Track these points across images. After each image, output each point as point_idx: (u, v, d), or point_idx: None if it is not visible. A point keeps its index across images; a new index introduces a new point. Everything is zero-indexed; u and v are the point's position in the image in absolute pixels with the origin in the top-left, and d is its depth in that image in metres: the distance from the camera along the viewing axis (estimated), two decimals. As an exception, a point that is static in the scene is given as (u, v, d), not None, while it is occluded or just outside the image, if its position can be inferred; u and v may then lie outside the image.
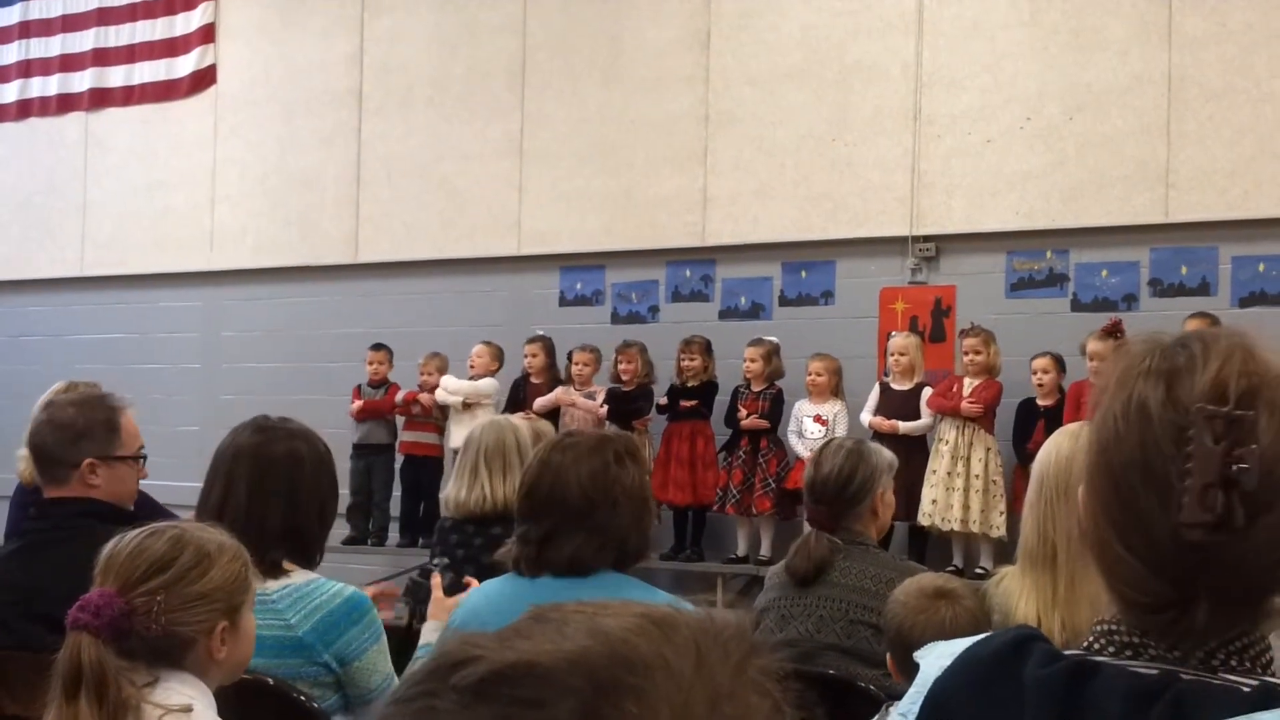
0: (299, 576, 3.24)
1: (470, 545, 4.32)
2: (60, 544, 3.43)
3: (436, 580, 3.80)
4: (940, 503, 8.82)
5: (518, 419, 4.92)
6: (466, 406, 10.21)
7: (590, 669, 0.87)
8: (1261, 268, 8.72)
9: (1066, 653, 1.42)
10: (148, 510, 3.95)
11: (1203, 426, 1.34)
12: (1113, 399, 1.43)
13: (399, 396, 10.59)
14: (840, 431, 9.17)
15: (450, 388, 10.32)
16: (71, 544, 3.17)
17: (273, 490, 3.27)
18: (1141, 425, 1.38)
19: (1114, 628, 1.42)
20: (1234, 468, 1.33)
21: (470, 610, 3.23)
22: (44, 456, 3.73)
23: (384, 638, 3.29)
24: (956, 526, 8.77)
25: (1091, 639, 1.44)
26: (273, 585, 3.18)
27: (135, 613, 2.38)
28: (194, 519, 3.22)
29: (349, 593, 3.24)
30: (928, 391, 9.08)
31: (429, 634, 3.72)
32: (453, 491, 4.62)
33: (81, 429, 3.70)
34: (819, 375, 9.37)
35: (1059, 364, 8.78)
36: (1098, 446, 1.43)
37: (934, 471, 8.89)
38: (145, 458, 3.90)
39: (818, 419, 9.33)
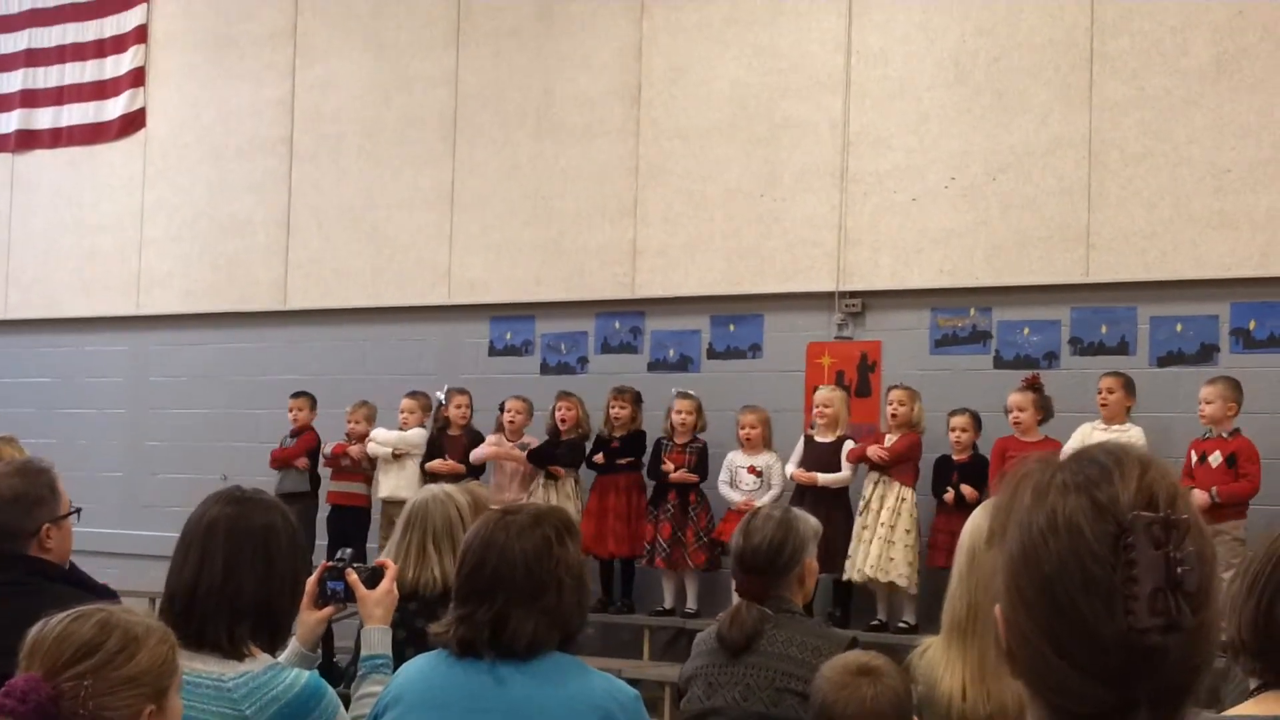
0: (258, 663, 3.16)
1: (411, 625, 4.29)
2: (12, 599, 3.45)
3: (355, 579, 3.72)
4: (854, 556, 8.90)
5: (452, 487, 4.89)
6: (396, 457, 10.22)
7: None
8: (1179, 328, 8.90)
9: None
10: (85, 582, 3.95)
11: (1143, 533, 1.39)
12: (1030, 515, 1.47)
13: (327, 449, 10.55)
14: (775, 483, 9.30)
15: (380, 439, 10.33)
16: (20, 599, 3.26)
17: (249, 563, 3.21)
18: (1071, 536, 1.42)
19: None
20: (1179, 570, 1.39)
21: (403, 690, 3.19)
22: None
23: (341, 711, 3.27)
24: (871, 575, 8.83)
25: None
26: (230, 672, 3.11)
27: (62, 698, 2.36)
28: (164, 590, 3.23)
29: (305, 680, 3.17)
30: (849, 445, 9.17)
31: (373, 641, 3.66)
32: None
33: (34, 497, 3.78)
34: (752, 428, 9.45)
35: (976, 421, 8.91)
36: (1023, 560, 1.46)
37: (865, 527, 8.97)
38: (80, 511, 3.97)
39: (751, 470, 9.40)
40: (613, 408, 9.84)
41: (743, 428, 9.48)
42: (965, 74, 9.50)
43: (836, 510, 9.04)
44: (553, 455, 9.87)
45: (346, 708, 3.42)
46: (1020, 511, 1.48)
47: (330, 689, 3.26)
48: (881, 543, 8.82)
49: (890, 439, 9.01)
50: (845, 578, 8.95)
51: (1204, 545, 1.43)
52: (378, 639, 3.70)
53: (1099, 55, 9.12)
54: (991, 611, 1.50)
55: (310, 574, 3.62)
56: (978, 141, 9.41)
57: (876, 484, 8.98)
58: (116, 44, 12.82)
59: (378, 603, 3.73)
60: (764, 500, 9.03)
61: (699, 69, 10.34)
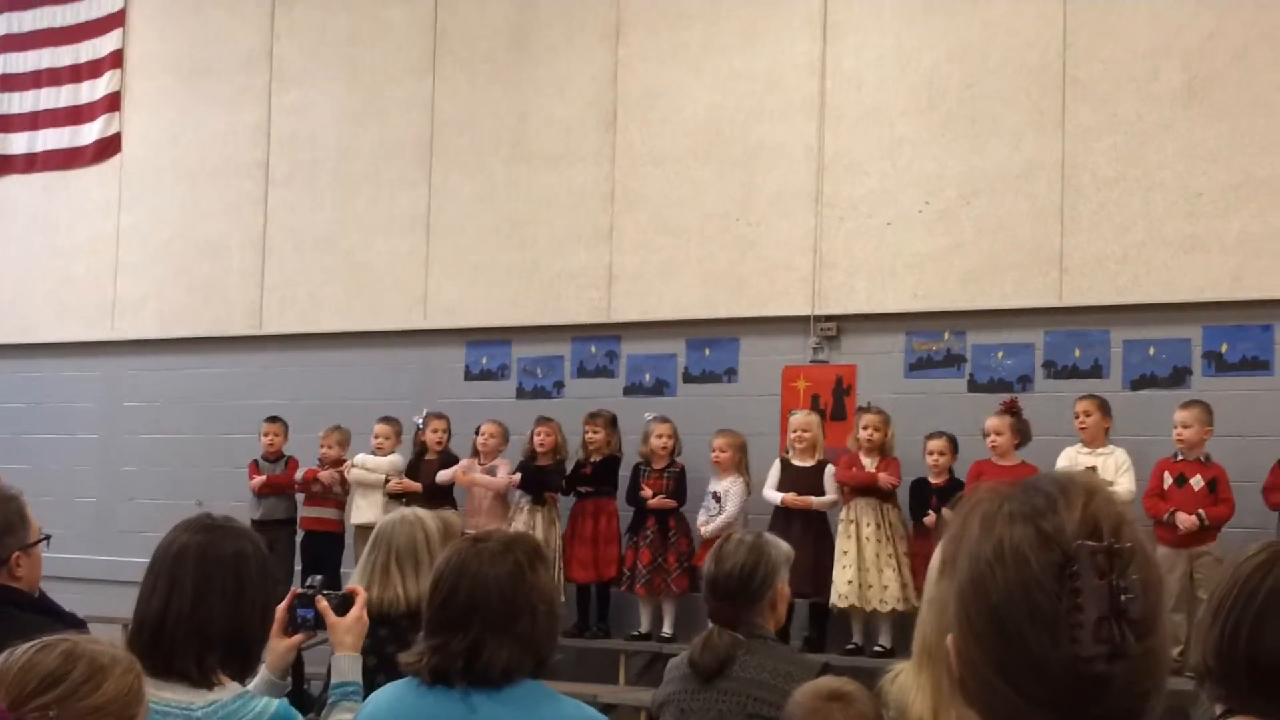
0: (227, 691, 3.15)
1: (382, 650, 4.28)
2: None
3: (325, 606, 3.71)
4: (874, 585, 8.82)
5: (424, 511, 4.90)
6: (387, 482, 10.22)
7: None
8: (1151, 351, 8.94)
9: None
10: (54, 610, 3.93)
11: (1086, 561, 1.41)
12: (979, 545, 1.48)
13: (299, 474, 10.54)
14: (731, 507, 9.27)
15: (370, 465, 10.31)
16: None
17: (219, 591, 3.20)
18: (1018, 566, 1.44)
19: None
20: (1122, 598, 1.40)
21: (372, 718, 3.19)
22: None
23: None
24: (900, 607, 8.78)
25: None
26: (198, 701, 3.10)
27: (27, 729, 2.36)
28: (133, 619, 3.21)
29: (274, 709, 3.16)
30: (831, 469, 9.17)
31: (343, 668, 3.66)
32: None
33: (4, 525, 3.76)
34: (722, 451, 9.45)
35: (953, 445, 8.92)
36: (972, 590, 1.47)
37: (845, 553, 8.91)
38: (50, 538, 3.95)
39: (714, 495, 9.41)
40: (587, 432, 9.84)
41: (714, 450, 9.49)
42: (939, 98, 9.55)
43: (822, 535, 9.06)
44: (549, 482, 9.86)
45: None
46: (970, 541, 1.49)
47: (300, 717, 3.25)
48: (908, 571, 8.81)
49: (867, 462, 9.02)
50: (867, 608, 8.90)
51: (1149, 573, 1.44)
52: (348, 666, 3.70)
53: (1071, 80, 9.17)
54: (944, 641, 1.50)
55: (281, 601, 3.62)
56: (951, 166, 9.46)
57: (881, 512, 8.95)
58: (92, 69, 12.81)
59: (348, 630, 3.72)
60: (715, 525, 9.06)
61: (674, 94, 10.37)
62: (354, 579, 4.60)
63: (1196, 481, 8.25)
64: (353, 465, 10.38)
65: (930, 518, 8.69)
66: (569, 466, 9.93)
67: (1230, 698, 2.26)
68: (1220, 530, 8.17)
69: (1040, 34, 9.26)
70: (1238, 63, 8.80)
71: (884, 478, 8.91)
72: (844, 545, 8.97)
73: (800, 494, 9.11)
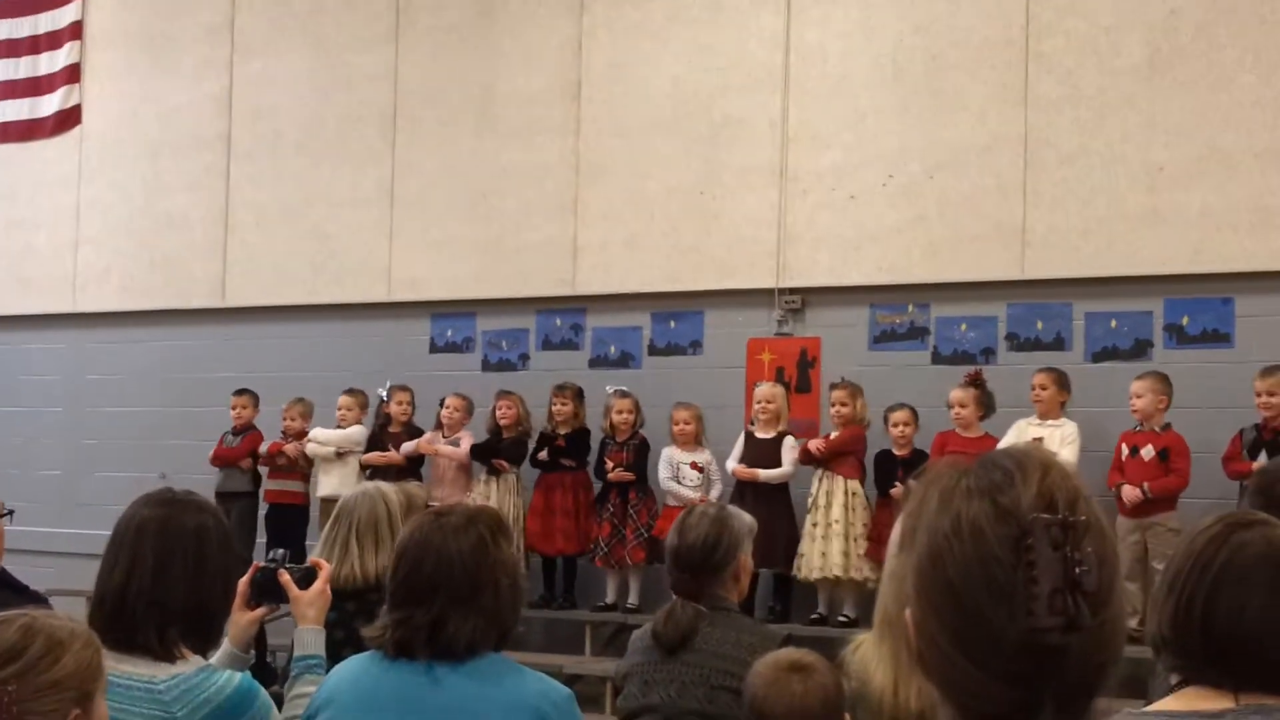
0: (190, 665, 3.15)
1: (350, 625, 4.25)
2: None
3: (287, 579, 3.70)
4: (807, 554, 8.92)
5: (387, 485, 4.88)
6: (340, 455, 10.18)
7: None
8: (1113, 324, 9.00)
9: None
10: (15, 585, 3.91)
11: (1041, 534, 1.42)
12: (937, 520, 1.49)
13: (263, 447, 10.50)
14: (717, 478, 9.34)
15: (322, 438, 10.29)
16: None
17: (180, 565, 3.19)
18: (975, 540, 1.45)
19: None
20: (1076, 570, 1.41)
21: (336, 691, 3.19)
22: None
23: (274, 712, 3.27)
24: (829, 574, 8.86)
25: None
26: (161, 674, 3.10)
27: (-15, 703, 2.35)
28: (94, 592, 3.20)
29: (237, 682, 3.17)
30: (789, 440, 9.21)
31: (306, 641, 3.66)
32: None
33: None
34: (686, 424, 9.47)
35: (915, 416, 8.97)
36: (930, 565, 1.48)
37: (816, 524, 8.99)
38: (12, 513, 3.93)
39: (694, 465, 9.42)
40: (554, 404, 9.85)
41: (676, 424, 9.50)
42: (903, 72, 9.56)
43: (778, 506, 9.09)
44: (496, 450, 9.87)
45: (280, 707, 3.42)
46: (928, 516, 1.50)
47: (263, 690, 3.26)
48: (842, 540, 8.85)
49: (835, 436, 9.06)
50: (801, 576, 8.95)
51: (1104, 546, 1.45)
52: (311, 639, 3.70)
53: (1035, 54, 9.20)
54: (903, 614, 1.52)
55: (243, 575, 3.61)
56: (915, 139, 9.47)
57: (821, 479, 9.01)
58: (51, 40, 12.69)
59: (310, 603, 3.71)
60: (712, 496, 9.09)
61: (639, 66, 10.35)
62: (316, 552, 4.59)
63: (1148, 451, 8.33)
64: (310, 439, 10.36)
65: (898, 489, 8.73)
66: (533, 439, 9.92)
67: (1186, 668, 2.28)
68: (1176, 500, 8.25)
69: (1004, 7, 9.27)
70: (1200, 37, 8.83)
71: (814, 443, 8.97)
72: (810, 518, 9.04)
73: (762, 465, 9.14)
